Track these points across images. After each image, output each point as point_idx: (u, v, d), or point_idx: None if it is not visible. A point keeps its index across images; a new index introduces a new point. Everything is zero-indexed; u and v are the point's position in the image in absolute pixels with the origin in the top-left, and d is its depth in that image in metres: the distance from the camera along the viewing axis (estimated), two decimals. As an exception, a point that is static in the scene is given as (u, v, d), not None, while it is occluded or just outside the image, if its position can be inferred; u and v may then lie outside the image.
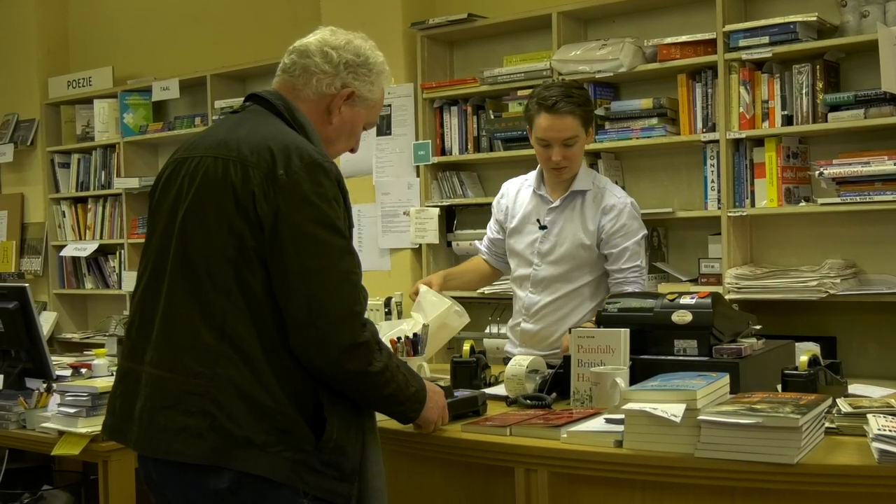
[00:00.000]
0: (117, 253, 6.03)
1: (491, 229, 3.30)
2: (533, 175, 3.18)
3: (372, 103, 2.07)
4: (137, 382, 1.86)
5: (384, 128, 4.82)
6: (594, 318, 2.98)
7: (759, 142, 3.85)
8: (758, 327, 2.57)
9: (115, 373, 1.99)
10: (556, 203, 3.08)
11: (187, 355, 1.80)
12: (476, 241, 3.42)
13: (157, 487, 1.91)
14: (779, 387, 2.17)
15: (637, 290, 2.97)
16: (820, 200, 3.66)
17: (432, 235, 4.67)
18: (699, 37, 3.95)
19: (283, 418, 1.78)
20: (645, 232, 3.10)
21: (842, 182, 3.57)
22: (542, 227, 3.08)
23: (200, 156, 1.91)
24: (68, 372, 3.16)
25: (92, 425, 2.54)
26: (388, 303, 4.68)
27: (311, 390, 1.82)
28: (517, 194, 3.22)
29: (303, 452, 1.78)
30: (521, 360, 2.51)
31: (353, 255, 1.86)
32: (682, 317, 2.35)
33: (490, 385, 2.66)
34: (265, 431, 1.76)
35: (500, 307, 4.56)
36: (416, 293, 2.98)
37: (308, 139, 1.93)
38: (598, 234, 3.02)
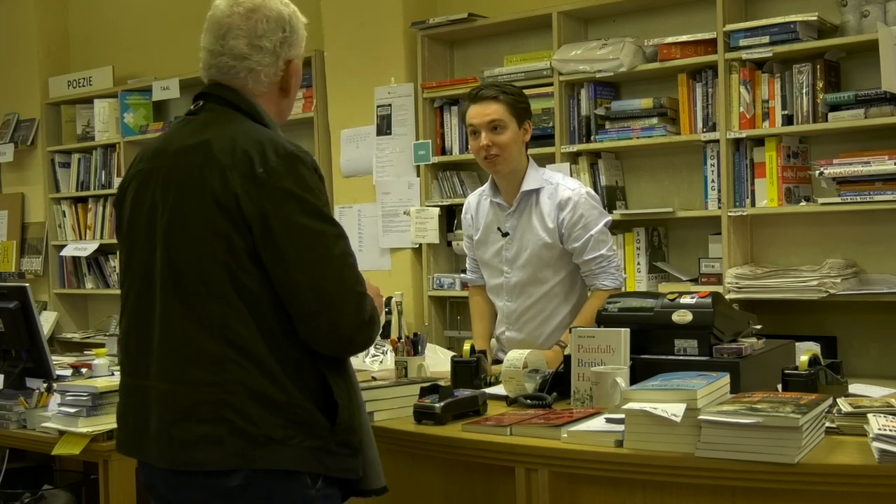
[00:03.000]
0: (118, 253, 6.01)
1: (468, 248, 3.31)
2: (488, 185, 3.19)
3: (301, 52, 2.04)
4: (146, 398, 1.86)
5: (384, 127, 4.82)
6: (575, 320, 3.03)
7: (759, 141, 3.85)
8: (758, 327, 2.57)
9: (119, 389, 1.99)
10: (512, 207, 3.08)
11: (193, 366, 1.80)
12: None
13: (159, 494, 1.91)
14: (779, 386, 2.17)
15: (608, 282, 2.99)
16: (820, 200, 3.66)
17: (433, 235, 4.67)
18: (699, 36, 3.95)
19: (298, 410, 1.80)
20: (607, 218, 3.07)
21: (842, 182, 3.57)
22: (505, 234, 3.09)
23: (169, 165, 1.88)
24: (69, 372, 3.15)
25: (92, 425, 2.54)
26: (388, 302, 4.68)
27: (317, 376, 1.84)
28: (478, 206, 3.23)
29: (320, 439, 1.81)
30: (517, 355, 2.50)
31: (346, 238, 1.87)
32: (682, 316, 2.35)
33: (490, 385, 2.66)
34: (282, 426, 1.78)
35: (501, 307, 4.56)
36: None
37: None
38: (559, 230, 3.01)
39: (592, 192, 3.10)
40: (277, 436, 1.77)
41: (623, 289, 3.02)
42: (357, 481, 1.90)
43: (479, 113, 3.00)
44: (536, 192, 3.06)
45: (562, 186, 3.05)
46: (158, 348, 1.85)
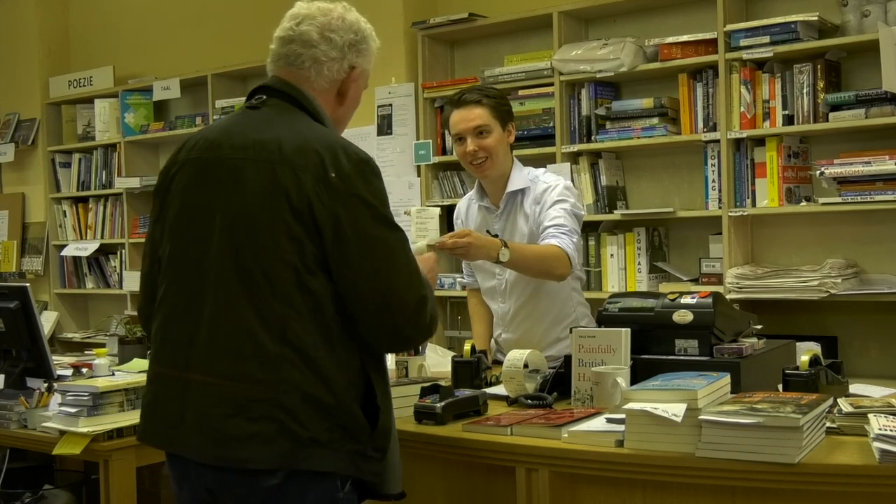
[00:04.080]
0: (118, 252, 6.03)
1: None
2: (475, 190, 3.21)
3: (368, 73, 2.10)
4: (184, 390, 1.84)
5: (385, 127, 4.82)
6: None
7: (759, 141, 3.85)
8: (759, 327, 2.57)
9: (148, 379, 1.96)
10: (500, 209, 3.08)
11: (248, 363, 1.79)
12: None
13: (190, 487, 1.90)
14: (780, 386, 2.17)
15: (556, 242, 2.84)
16: (821, 200, 3.66)
17: (433, 235, 4.62)
18: (700, 36, 3.95)
19: (344, 414, 1.82)
20: (579, 210, 3.01)
21: (843, 182, 3.57)
22: (494, 237, 3.05)
23: (233, 157, 1.87)
24: (69, 371, 3.16)
25: (93, 425, 2.54)
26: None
27: (363, 378, 1.87)
28: (467, 210, 3.24)
29: (360, 443, 1.83)
30: (517, 355, 2.50)
31: (408, 242, 1.91)
32: (683, 316, 2.34)
33: (491, 385, 2.66)
34: (328, 429, 1.80)
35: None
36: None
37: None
38: (536, 219, 2.99)
39: (571, 186, 3.08)
40: (323, 438, 1.79)
41: (574, 264, 2.90)
42: (376, 484, 1.91)
43: (464, 118, 3.00)
44: (522, 192, 3.06)
45: (541, 181, 3.04)
46: (207, 341, 1.83)
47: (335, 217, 1.79)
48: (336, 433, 1.80)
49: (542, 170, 3.17)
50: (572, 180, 4.22)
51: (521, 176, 3.08)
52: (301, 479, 1.79)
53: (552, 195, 2.98)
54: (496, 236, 3.06)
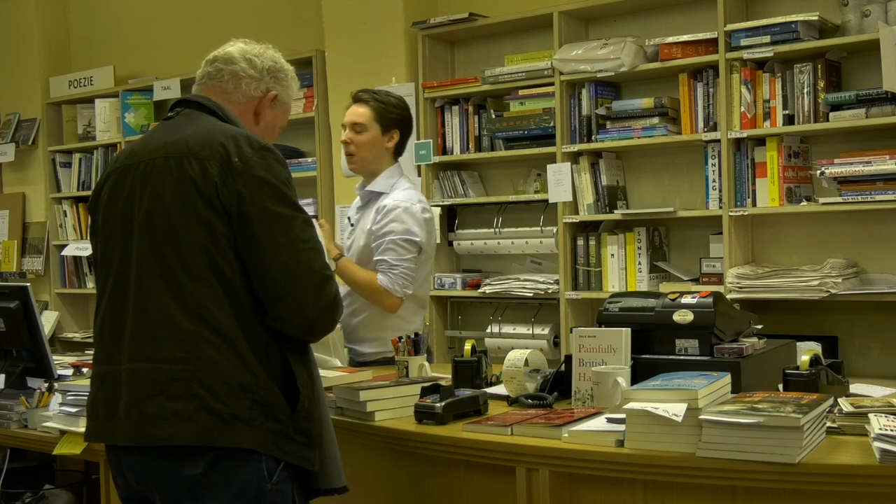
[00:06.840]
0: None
1: None
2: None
3: (287, 106, 2.23)
4: (118, 382, 1.92)
5: (385, 127, 4.82)
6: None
7: (760, 141, 3.85)
8: (759, 327, 2.57)
9: (91, 380, 2.04)
10: (361, 203, 3.26)
11: (167, 344, 1.87)
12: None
13: (124, 479, 1.98)
14: (780, 386, 2.17)
15: (383, 278, 3.05)
16: (821, 200, 3.66)
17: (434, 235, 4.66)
18: (700, 36, 3.95)
19: (263, 392, 1.88)
20: (414, 238, 3.09)
21: (843, 181, 3.57)
22: (352, 225, 3.26)
23: (146, 159, 1.98)
24: (70, 371, 3.16)
25: (93, 425, 2.54)
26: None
27: (282, 362, 1.93)
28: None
29: (280, 423, 1.89)
30: (517, 355, 2.50)
31: (313, 226, 2.00)
32: (683, 316, 2.35)
33: (491, 384, 2.66)
34: (248, 407, 1.86)
35: (501, 307, 4.56)
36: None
37: None
38: (372, 235, 3.12)
39: (414, 209, 3.12)
40: (243, 415, 1.85)
41: (400, 295, 3.08)
42: (315, 479, 1.97)
43: (349, 112, 3.21)
44: (379, 195, 3.18)
45: (391, 194, 3.15)
46: (132, 330, 1.92)
47: (238, 196, 1.89)
48: (255, 410, 1.86)
49: (407, 186, 3.23)
50: (572, 180, 4.23)
51: (385, 181, 3.20)
52: (223, 468, 1.84)
53: (387, 218, 3.08)
54: (353, 225, 3.26)
